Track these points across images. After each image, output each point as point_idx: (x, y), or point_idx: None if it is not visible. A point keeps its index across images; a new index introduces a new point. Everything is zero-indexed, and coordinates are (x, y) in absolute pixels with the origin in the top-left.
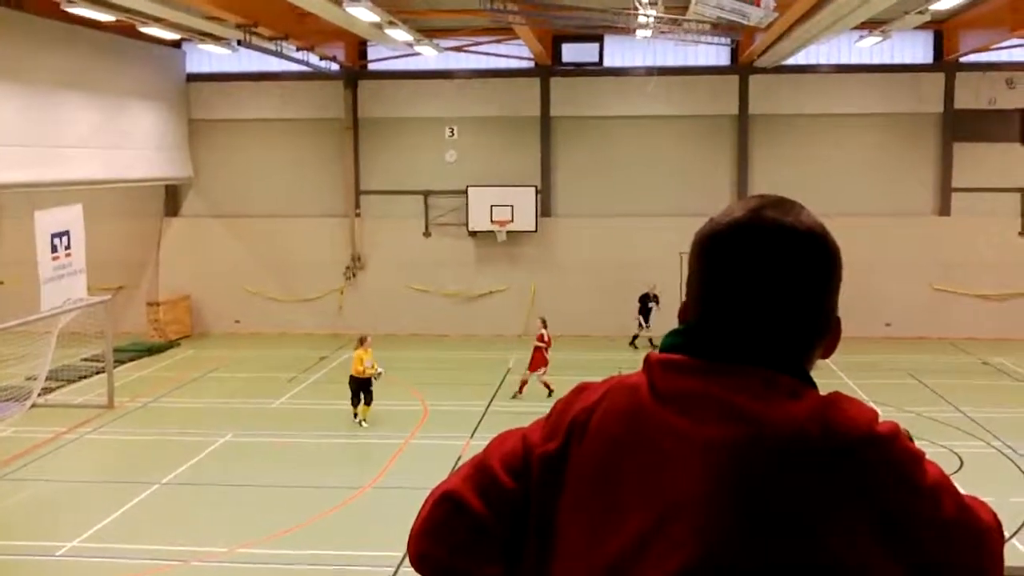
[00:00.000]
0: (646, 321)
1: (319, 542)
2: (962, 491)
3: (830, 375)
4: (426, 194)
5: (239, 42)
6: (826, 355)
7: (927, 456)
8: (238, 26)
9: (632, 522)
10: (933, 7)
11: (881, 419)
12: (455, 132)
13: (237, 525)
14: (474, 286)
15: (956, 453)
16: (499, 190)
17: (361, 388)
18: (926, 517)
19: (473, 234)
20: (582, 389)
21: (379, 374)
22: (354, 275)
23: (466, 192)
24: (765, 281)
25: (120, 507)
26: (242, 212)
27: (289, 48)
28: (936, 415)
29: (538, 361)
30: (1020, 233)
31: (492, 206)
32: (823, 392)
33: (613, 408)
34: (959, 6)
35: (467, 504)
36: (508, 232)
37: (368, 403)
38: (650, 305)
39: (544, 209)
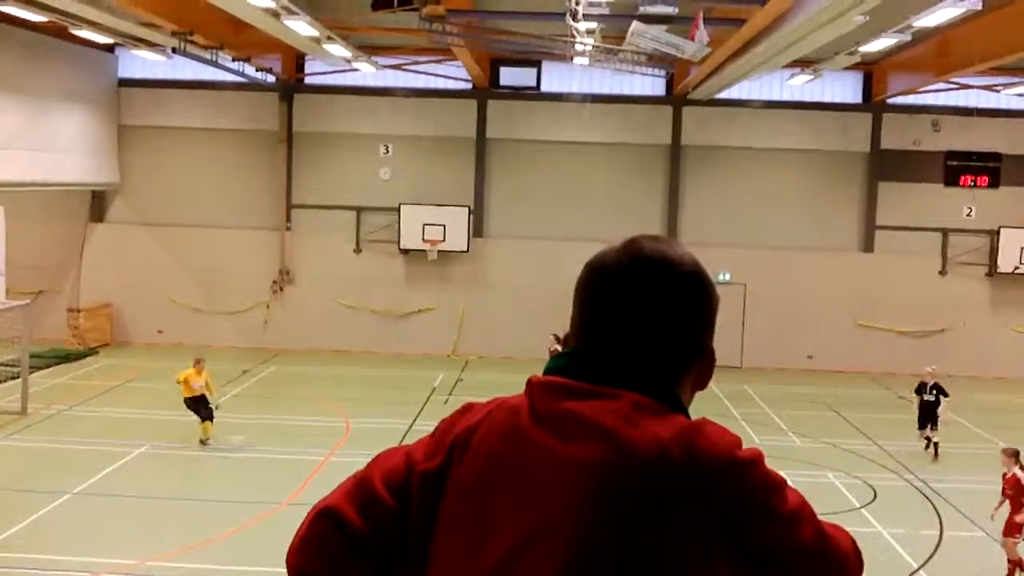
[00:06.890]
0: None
1: (230, 557)
2: (823, 518)
3: (751, 404)
4: (358, 210)
5: (174, 49)
6: (701, 386)
7: (788, 483)
8: (173, 33)
9: (506, 537)
10: (863, 49)
11: (745, 446)
12: (390, 150)
13: (148, 538)
14: (403, 304)
15: (870, 485)
16: (432, 209)
17: (200, 406)
18: (785, 543)
19: (404, 252)
20: (467, 409)
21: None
22: (281, 289)
23: (398, 210)
24: (641, 312)
25: (29, 516)
26: (169, 221)
27: (224, 58)
28: (852, 447)
29: None
30: (940, 272)
31: (424, 224)
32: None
33: (494, 428)
34: (888, 49)
35: (346, 519)
36: (439, 251)
37: (211, 419)
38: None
39: (476, 229)
